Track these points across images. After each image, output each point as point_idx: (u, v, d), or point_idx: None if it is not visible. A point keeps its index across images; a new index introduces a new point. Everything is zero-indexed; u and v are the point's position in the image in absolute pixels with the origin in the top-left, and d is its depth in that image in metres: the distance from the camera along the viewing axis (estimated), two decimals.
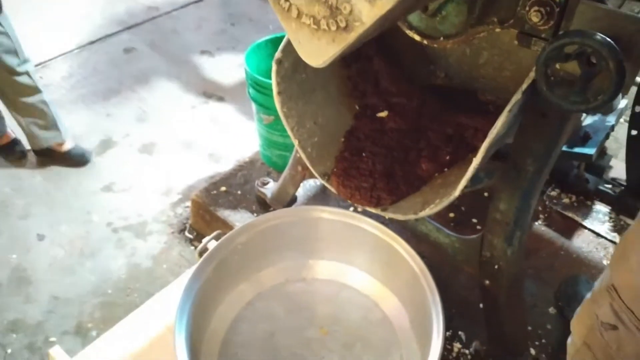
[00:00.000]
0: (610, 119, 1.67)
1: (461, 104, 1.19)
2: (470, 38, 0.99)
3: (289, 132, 1.20)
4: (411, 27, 1.06)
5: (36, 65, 2.78)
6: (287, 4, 0.75)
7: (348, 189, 1.18)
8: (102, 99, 2.66)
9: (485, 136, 0.89)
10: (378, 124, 1.24)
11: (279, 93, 1.15)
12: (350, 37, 0.71)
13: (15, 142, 2.28)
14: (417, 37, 1.05)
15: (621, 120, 1.80)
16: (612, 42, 0.67)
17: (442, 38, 1.02)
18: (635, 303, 0.83)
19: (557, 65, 0.76)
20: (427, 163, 1.13)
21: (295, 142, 1.20)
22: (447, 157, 1.14)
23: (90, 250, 1.94)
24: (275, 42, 1.98)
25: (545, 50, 0.72)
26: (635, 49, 0.72)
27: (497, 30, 0.93)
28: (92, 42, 3.05)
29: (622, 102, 1.67)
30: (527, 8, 0.84)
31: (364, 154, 1.21)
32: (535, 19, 0.83)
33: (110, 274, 1.86)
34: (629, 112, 1.64)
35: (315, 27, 0.74)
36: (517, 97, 0.86)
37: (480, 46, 1.11)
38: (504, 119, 0.86)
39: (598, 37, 0.67)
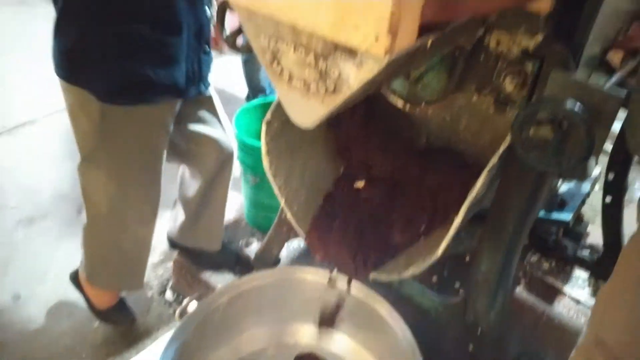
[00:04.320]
0: (585, 186, 1.74)
1: (442, 164, 1.22)
2: (450, 104, 1.05)
3: (276, 191, 1.22)
4: (394, 93, 1.12)
5: (27, 122, 2.81)
6: (280, 67, 0.80)
7: (320, 252, 1.19)
8: None
9: (463, 199, 0.92)
10: (354, 192, 1.27)
11: (268, 152, 1.18)
12: (339, 99, 0.75)
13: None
14: (400, 103, 1.11)
15: (595, 188, 1.87)
16: (581, 108, 0.72)
17: (423, 104, 1.08)
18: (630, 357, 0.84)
19: (532, 130, 0.80)
20: (401, 234, 1.15)
21: (282, 201, 1.22)
22: (422, 228, 1.16)
23: (67, 311, 1.88)
24: (263, 106, 2.05)
25: (519, 116, 0.77)
26: (602, 115, 0.77)
27: (475, 97, 0.99)
28: None
29: (596, 170, 1.75)
30: (502, 77, 0.90)
31: (336, 222, 1.22)
32: (509, 87, 0.89)
33: (85, 336, 1.80)
34: (603, 180, 1.70)
35: (305, 89, 0.78)
36: (494, 160, 0.90)
37: (459, 113, 1.17)
38: (482, 180, 0.90)
39: (568, 104, 0.72)
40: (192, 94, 1.47)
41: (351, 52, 0.70)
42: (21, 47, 3.62)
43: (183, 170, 1.76)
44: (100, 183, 1.51)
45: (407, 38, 0.65)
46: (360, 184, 1.27)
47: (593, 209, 2.26)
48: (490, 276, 1.09)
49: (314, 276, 1.41)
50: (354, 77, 0.71)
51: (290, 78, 0.80)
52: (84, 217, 1.61)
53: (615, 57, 1.01)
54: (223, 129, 1.68)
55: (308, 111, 0.81)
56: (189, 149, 1.65)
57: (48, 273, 2.01)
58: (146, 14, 1.26)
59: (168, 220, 1.91)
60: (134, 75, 1.32)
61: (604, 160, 1.72)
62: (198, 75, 1.45)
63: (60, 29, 1.31)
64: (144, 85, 1.33)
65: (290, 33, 0.75)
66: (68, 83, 1.37)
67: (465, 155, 1.27)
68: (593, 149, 0.74)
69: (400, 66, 0.77)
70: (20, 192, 2.42)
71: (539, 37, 0.83)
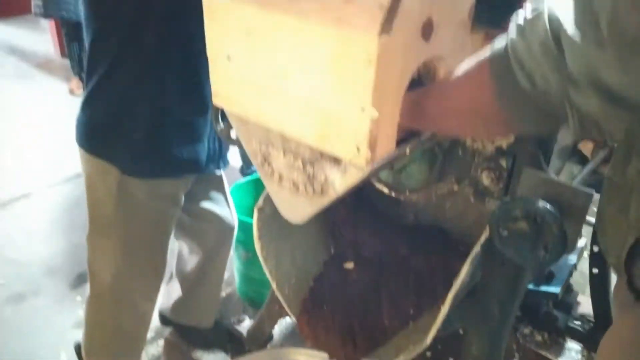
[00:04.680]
0: (572, 258, 1.77)
1: (430, 244, 1.26)
2: (433, 191, 1.10)
3: (267, 274, 1.24)
4: (380, 181, 1.17)
5: (21, 197, 2.83)
6: (270, 169, 0.85)
7: (310, 338, 1.19)
8: (82, 230, 2.69)
9: (449, 281, 0.95)
10: (343, 275, 1.29)
11: (260, 237, 1.21)
12: (326, 200, 0.80)
13: None
14: (385, 190, 1.16)
15: (584, 254, 1.90)
16: (551, 208, 0.77)
17: (407, 192, 1.13)
18: None
19: (509, 224, 0.85)
20: (390, 319, 1.16)
21: (273, 284, 1.24)
22: (411, 312, 1.17)
23: None
24: (255, 182, 2.10)
25: (495, 214, 0.82)
26: (574, 210, 0.82)
27: (455, 187, 1.05)
28: (79, 175, 3.16)
29: (582, 241, 1.78)
30: (479, 171, 0.96)
31: (325, 307, 1.24)
32: (486, 181, 0.94)
33: None
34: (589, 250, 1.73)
35: (294, 189, 0.83)
36: (476, 249, 0.94)
37: (444, 195, 1.22)
38: (466, 269, 0.93)
39: (539, 204, 0.77)
40: (211, 170, 1.52)
41: (336, 160, 0.75)
42: (17, 120, 3.70)
43: (181, 246, 1.78)
44: (108, 254, 1.52)
45: (386, 149, 0.71)
46: (349, 265, 1.30)
47: (583, 277, 2.27)
48: (481, 358, 1.10)
49: (306, 358, 1.41)
50: (340, 182, 0.76)
51: (280, 179, 0.85)
52: (85, 290, 1.61)
53: (585, 147, 1.08)
54: (228, 207, 1.72)
55: (297, 208, 0.86)
56: (193, 225, 1.68)
57: (37, 353, 1.98)
58: (176, 94, 1.31)
59: (161, 296, 1.91)
60: (160, 151, 1.37)
61: (589, 230, 1.77)
62: (218, 153, 1.51)
63: (90, 103, 1.36)
64: (168, 161, 1.38)
65: (280, 139, 0.81)
66: (90, 154, 1.41)
67: (451, 234, 1.31)
68: (567, 244, 0.78)
69: (383, 167, 0.82)
70: (11, 268, 2.41)
71: (511, 137, 0.89)
